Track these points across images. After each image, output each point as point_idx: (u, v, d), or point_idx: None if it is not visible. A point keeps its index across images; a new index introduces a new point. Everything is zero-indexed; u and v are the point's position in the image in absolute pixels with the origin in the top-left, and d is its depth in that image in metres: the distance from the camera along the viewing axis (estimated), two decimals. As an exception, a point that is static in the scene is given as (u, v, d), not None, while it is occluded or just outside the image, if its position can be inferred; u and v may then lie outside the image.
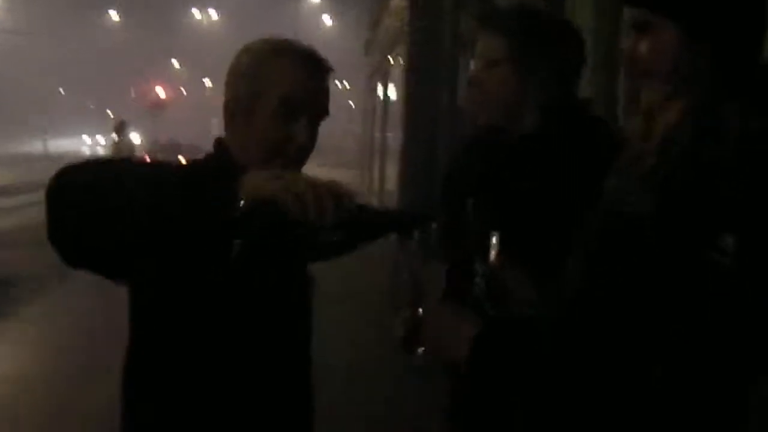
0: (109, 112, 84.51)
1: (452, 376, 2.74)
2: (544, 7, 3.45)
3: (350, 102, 69.38)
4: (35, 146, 67.34)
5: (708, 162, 1.83)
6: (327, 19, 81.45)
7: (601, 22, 5.42)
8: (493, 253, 2.28)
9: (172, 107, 58.50)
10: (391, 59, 16.82)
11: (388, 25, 18.25)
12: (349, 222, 2.00)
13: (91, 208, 2.02)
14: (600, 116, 2.98)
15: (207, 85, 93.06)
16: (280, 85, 2.29)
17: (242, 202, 1.96)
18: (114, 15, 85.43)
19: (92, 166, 2.18)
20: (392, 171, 13.35)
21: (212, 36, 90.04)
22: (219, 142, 2.39)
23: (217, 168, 2.32)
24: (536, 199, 2.56)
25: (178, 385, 2.29)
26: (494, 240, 2.28)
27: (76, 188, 2.07)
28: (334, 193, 1.97)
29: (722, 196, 1.79)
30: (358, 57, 37.02)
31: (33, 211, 21.65)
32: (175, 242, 2.07)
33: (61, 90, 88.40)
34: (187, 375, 2.28)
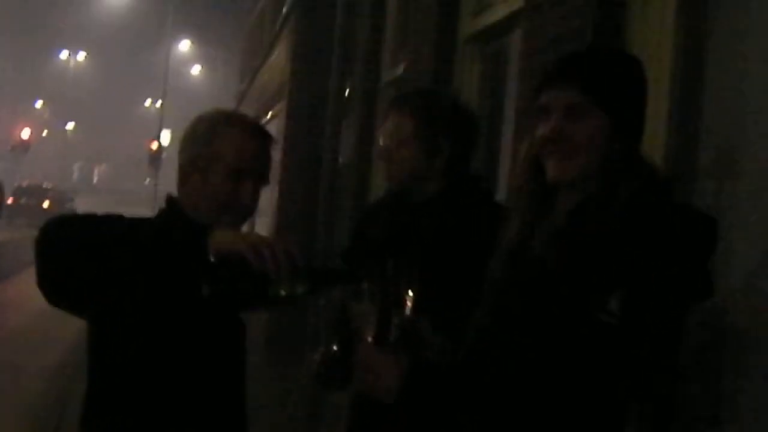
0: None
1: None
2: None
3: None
4: None
5: (600, 229, 2.17)
6: (196, 69, 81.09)
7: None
8: (408, 306, 2.62)
9: (33, 149, 57.25)
10: (269, 115, 17.08)
11: (266, 81, 18.55)
12: (302, 276, 2.39)
13: (73, 259, 2.40)
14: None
15: (69, 128, 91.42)
16: (232, 152, 2.63)
17: (212, 254, 2.34)
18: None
19: (73, 220, 2.53)
20: (263, 227, 13.45)
21: (78, 78, 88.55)
22: (171, 199, 2.72)
23: (174, 222, 2.65)
24: (445, 255, 2.98)
25: (134, 412, 2.57)
26: (410, 294, 2.61)
27: (61, 242, 2.44)
28: (288, 251, 2.35)
29: (610, 259, 2.12)
30: (228, 107, 36.99)
31: None
32: (149, 287, 2.43)
33: None
34: (141, 402, 2.57)
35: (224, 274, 2.38)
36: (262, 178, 2.71)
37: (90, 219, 2.54)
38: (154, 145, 37.79)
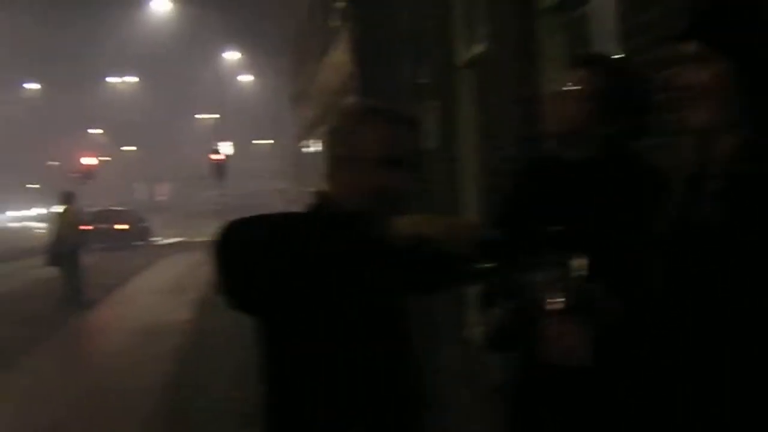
0: (30, 186, 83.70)
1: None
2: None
3: (272, 157, 69.58)
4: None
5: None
6: (246, 77, 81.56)
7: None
8: (581, 270, 2.61)
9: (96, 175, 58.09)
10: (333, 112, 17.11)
11: (326, 79, 18.58)
12: (488, 252, 2.40)
13: (254, 260, 2.43)
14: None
15: (127, 150, 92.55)
16: (379, 141, 2.66)
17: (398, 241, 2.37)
18: (32, 86, 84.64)
19: (248, 224, 2.55)
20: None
21: (130, 100, 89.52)
22: (322, 194, 2.75)
23: (350, 215, 2.65)
24: (611, 218, 2.93)
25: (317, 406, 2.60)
26: (582, 259, 2.61)
27: (242, 244, 2.47)
28: (474, 228, 2.38)
29: None
30: (278, 113, 37.20)
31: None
32: (337, 280, 2.45)
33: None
34: (323, 395, 2.60)
35: (413, 259, 2.41)
36: (412, 165, 2.72)
37: (263, 219, 2.58)
38: (218, 156, 38.02)
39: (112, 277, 23.90)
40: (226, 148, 41.67)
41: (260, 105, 70.98)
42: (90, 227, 34.07)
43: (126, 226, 39.93)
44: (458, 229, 2.38)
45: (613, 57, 3.55)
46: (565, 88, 3.12)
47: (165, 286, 21.77)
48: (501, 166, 7.28)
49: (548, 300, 2.55)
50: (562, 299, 2.56)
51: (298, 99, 28.59)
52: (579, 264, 2.60)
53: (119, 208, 44.34)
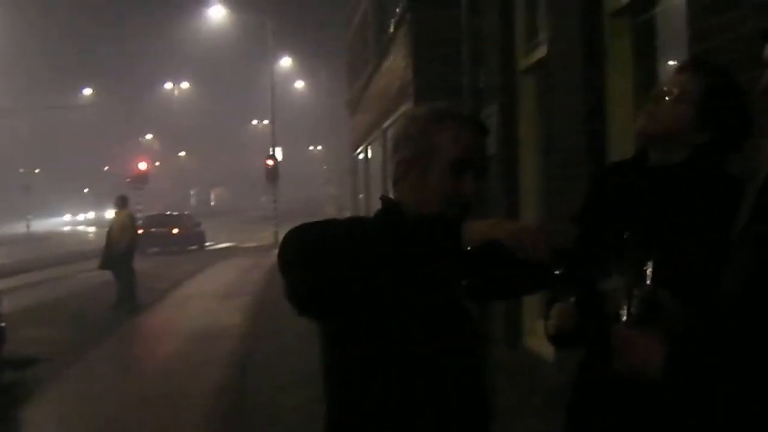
0: (86, 190, 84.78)
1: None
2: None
3: (325, 163, 69.91)
4: (19, 228, 67.62)
5: None
6: (299, 83, 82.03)
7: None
8: (649, 276, 2.50)
9: (149, 179, 58.71)
10: (391, 119, 17.01)
11: (384, 86, 18.51)
12: (558, 258, 2.38)
13: (327, 264, 2.36)
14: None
15: (181, 155, 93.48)
16: (449, 145, 2.61)
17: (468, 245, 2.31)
18: (88, 92, 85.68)
19: (317, 227, 2.47)
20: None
21: (184, 107, 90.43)
22: (388, 199, 2.70)
23: (419, 218, 2.57)
24: (684, 225, 2.81)
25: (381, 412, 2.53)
26: (650, 264, 2.49)
27: (311, 250, 2.40)
28: (544, 233, 2.31)
29: None
30: (332, 119, 37.39)
31: (29, 292, 21.81)
32: (403, 283, 2.40)
33: (36, 170, 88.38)
34: (388, 401, 2.52)
35: (483, 264, 2.38)
36: (482, 170, 2.68)
37: (332, 224, 2.52)
38: (271, 162, 38.25)
39: (162, 282, 24.04)
40: (278, 154, 41.87)
41: (315, 111, 71.36)
42: (142, 231, 35.64)
43: (182, 231, 40.30)
44: (531, 234, 2.29)
45: (717, 64, 3.40)
46: (665, 90, 2.98)
47: (220, 290, 21.80)
48: (561, 172, 7.17)
49: (621, 307, 2.44)
50: (635, 308, 2.45)
51: (353, 105, 28.56)
52: (651, 271, 2.51)
53: (175, 213, 44.93)
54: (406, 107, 13.89)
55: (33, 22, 78.56)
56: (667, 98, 2.95)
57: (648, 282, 2.46)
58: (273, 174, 37.20)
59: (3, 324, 10.58)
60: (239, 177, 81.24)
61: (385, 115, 17.94)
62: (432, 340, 2.52)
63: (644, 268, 2.47)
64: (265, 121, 75.52)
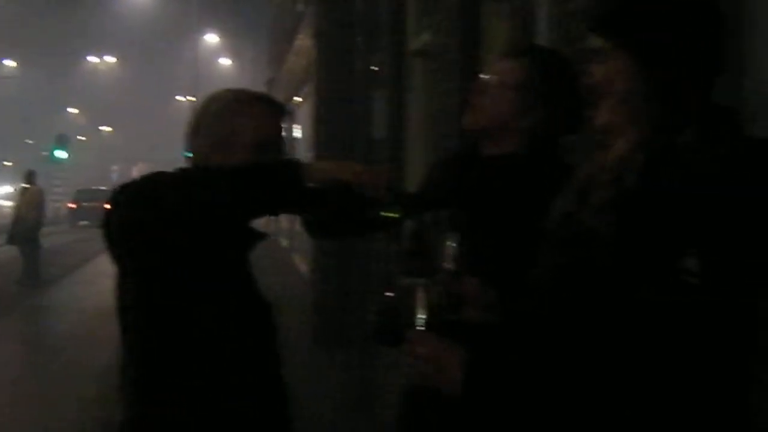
0: (6, 163, 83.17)
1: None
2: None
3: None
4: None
5: (664, 188, 1.94)
6: (225, 61, 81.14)
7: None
8: (449, 259, 2.45)
9: (71, 153, 57.76)
10: (298, 98, 17.00)
11: (293, 65, 18.46)
12: (397, 201, 2.50)
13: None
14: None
15: (105, 130, 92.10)
16: (251, 128, 2.65)
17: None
18: (10, 63, 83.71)
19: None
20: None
21: (109, 81, 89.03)
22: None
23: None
24: (498, 212, 2.79)
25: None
26: (452, 247, 2.45)
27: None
28: (385, 175, 2.48)
29: (681, 221, 1.90)
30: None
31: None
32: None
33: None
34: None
35: (326, 200, 2.46)
36: (281, 152, 2.72)
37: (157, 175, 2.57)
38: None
39: (78, 256, 23.75)
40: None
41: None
42: (74, 205, 39.96)
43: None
44: (372, 174, 2.43)
45: (543, 48, 3.36)
46: (487, 80, 2.94)
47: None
48: (439, 159, 7.15)
49: (417, 313, 2.26)
50: (435, 298, 2.32)
51: (271, 84, 28.41)
52: (447, 250, 2.47)
53: (102, 188, 44.60)
54: (310, 88, 13.88)
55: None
56: (489, 88, 2.91)
57: (449, 266, 2.42)
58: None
59: None
60: (162, 154, 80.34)
61: (294, 94, 17.93)
62: (222, 325, 2.60)
63: (447, 251, 2.43)
64: (191, 98, 74.96)
